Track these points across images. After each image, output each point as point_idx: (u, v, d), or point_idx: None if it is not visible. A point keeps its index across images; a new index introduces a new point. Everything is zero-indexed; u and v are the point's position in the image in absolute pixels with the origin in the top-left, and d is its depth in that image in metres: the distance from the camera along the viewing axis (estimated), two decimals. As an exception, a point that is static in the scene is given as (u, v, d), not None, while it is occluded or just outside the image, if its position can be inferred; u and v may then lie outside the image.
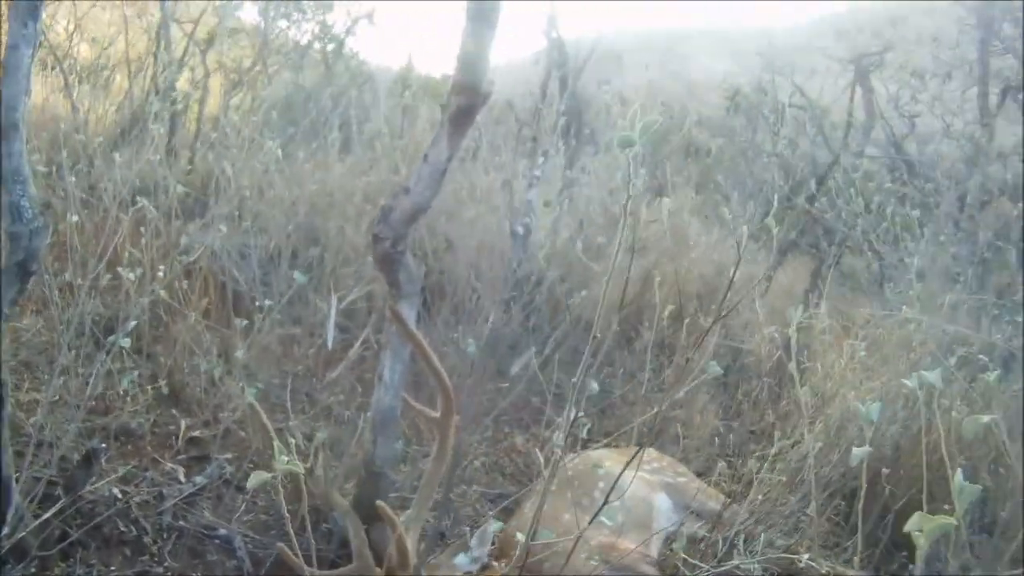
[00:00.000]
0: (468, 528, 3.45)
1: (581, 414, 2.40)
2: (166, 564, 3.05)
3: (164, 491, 3.37)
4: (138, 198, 4.16)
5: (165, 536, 3.17)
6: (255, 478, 2.14)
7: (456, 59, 2.76)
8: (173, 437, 3.81)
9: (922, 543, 1.66)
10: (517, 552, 2.55)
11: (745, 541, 3.16)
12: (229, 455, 3.75)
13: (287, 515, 2.28)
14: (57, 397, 3.50)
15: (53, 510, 2.81)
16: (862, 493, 2.33)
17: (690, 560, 3.08)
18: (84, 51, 8.28)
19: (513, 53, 11.15)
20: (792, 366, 3.02)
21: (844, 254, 6.29)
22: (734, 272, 2.38)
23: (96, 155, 4.91)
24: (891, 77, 8.49)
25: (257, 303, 4.16)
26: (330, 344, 3.87)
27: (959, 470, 1.74)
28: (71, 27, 7.69)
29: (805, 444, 3.30)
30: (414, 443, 4.11)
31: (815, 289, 5.48)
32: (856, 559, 2.67)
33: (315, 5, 8.89)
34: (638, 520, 3.29)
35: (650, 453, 3.77)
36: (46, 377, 3.82)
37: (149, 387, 3.97)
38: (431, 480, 2.79)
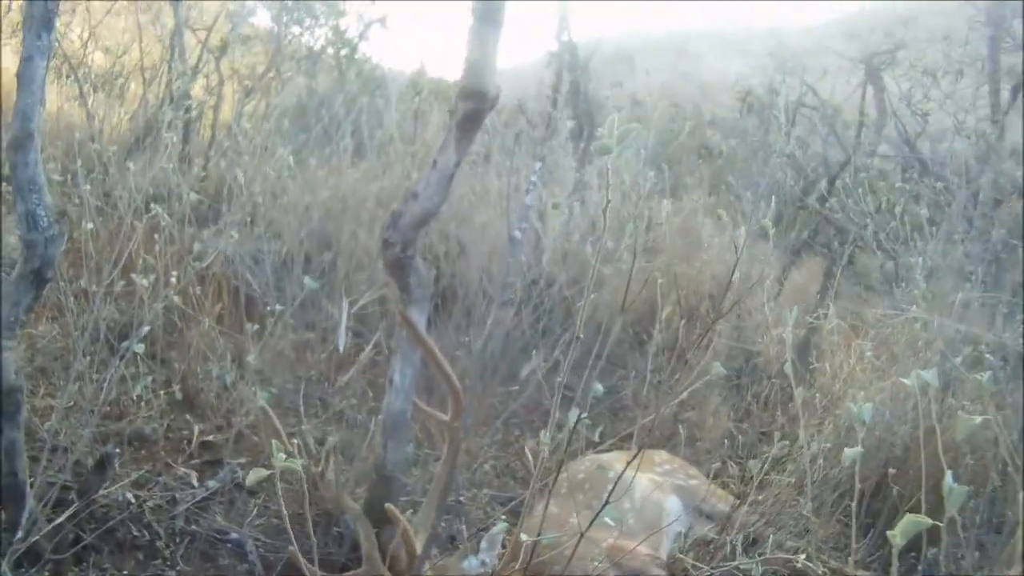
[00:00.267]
0: (478, 531, 3.47)
1: (584, 415, 2.42)
2: (179, 568, 3.08)
3: (177, 495, 3.41)
4: (152, 205, 4.19)
5: (178, 540, 3.20)
6: (254, 475, 2.16)
7: (463, 64, 2.78)
8: (186, 442, 3.85)
9: (898, 542, 1.68)
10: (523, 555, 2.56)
11: (754, 543, 3.17)
12: (242, 459, 3.78)
13: (298, 518, 2.30)
14: (72, 403, 3.53)
15: (67, 514, 2.84)
16: (856, 495, 2.35)
17: (698, 563, 3.09)
18: (99, 59, 8.34)
19: (524, 56, 11.17)
20: (788, 368, 3.02)
21: (856, 253, 6.27)
22: (732, 273, 2.39)
23: (111, 163, 4.94)
24: (903, 75, 8.45)
25: (270, 308, 4.19)
26: (342, 348, 3.90)
27: (948, 472, 1.76)
28: (85, 35, 7.74)
29: (803, 445, 3.30)
30: (425, 446, 4.13)
31: (828, 289, 5.47)
32: (851, 560, 2.67)
33: (328, 10, 8.94)
34: (649, 522, 3.30)
35: (661, 455, 3.78)
36: (61, 383, 3.85)
37: (163, 392, 4.00)
38: (440, 483, 2.81)
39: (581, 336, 2.18)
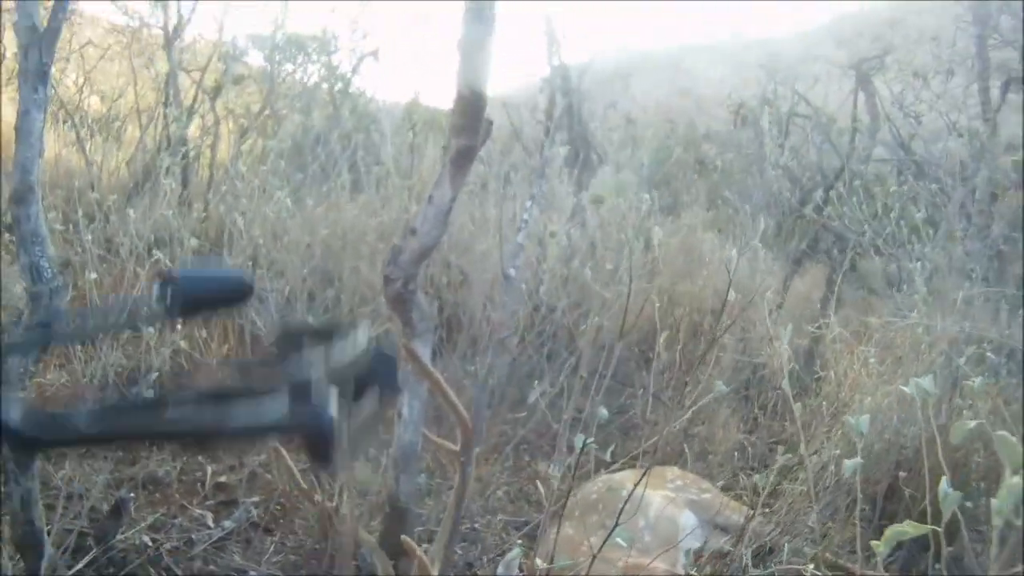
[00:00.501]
0: (494, 556, 3.48)
1: (590, 441, 2.44)
2: (199, 608, 3.10)
3: (193, 537, 3.42)
4: (154, 251, 4.24)
5: (197, 581, 3.22)
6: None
7: (454, 100, 2.81)
8: (199, 483, 3.87)
9: (881, 550, 1.71)
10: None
11: (771, 552, 3.18)
12: (256, 498, 3.79)
13: (315, 554, 2.32)
14: (84, 449, 3.56)
15: (85, 560, 2.87)
16: (858, 503, 2.37)
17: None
18: (95, 103, 8.42)
19: (519, 81, 11.22)
20: (785, 384, 3.03)
21: (857, 259, 6.29)
22: (727, 294, 2.42)
23: (111, 211, 4.99)
24: (894, 78, 8.50)
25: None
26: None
27: (943, 478, 1.78)
28: (81, 80, 7.82)
29: (807, 456, 3.31)
30: (437, 476, 4.14)
31: (829, 298, 5.50)
32: (857, 564, 2.68)
33: (320, 46, 9.01)
34: (664, 539, 3.31)
35: (673, 471, 3.79)
36: (71, 429, 3.87)
37: (174, 435, 4.01)
38: (453, 512, 2.83)
39: (584, 376, 2.19)
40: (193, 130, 7.51)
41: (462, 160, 2.85)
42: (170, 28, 7.46)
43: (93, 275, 3.98)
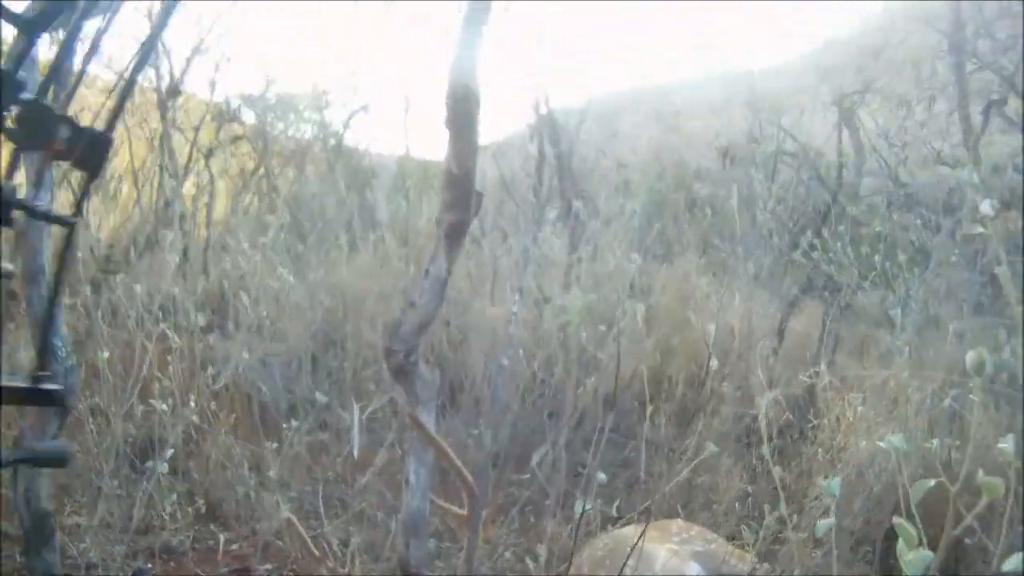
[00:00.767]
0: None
1: (590, 507, 2.50)
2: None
3: (210, 606, 3.49)
4: (161, 325, 4.32)
5: (214, 649, 3.28)
6: None
7: (443, 176, 2.90)
8: (213, 551, 3.93)
9: None
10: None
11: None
12: (269, 566, 3.85)
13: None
14: (99, 521, 3.63)
15: (106, 632, 2.93)
16: (835, 561, 2.43)
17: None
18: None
19: (508, 126, 11.31)
20: (766, 450, 3.11)
21: (851, 297, 6.34)
22: (708, 361, 2.50)
23: (116, 286, 5.06)
24: (877, 110, 8.58)
25: (285, 427, 4.29)
26: (356, 453, 3.99)
27: (900, 540, 1.84)
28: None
29: (792, 514, 3.38)
30: (446, 539, 4.20)
31: (825, 340, 5.56)
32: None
33: (311, 103, 9.13)
34: (672, 593, 3.37)
35: (678, 524, 3.84)
36: (83, 499, 3.95)
37: (188, 507, 4.08)
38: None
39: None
40: (189, 187, 7.61)
41: (455, 234, 2.93)
42: (163, 89, 7.58)
43: (106, 354, 4.04)
